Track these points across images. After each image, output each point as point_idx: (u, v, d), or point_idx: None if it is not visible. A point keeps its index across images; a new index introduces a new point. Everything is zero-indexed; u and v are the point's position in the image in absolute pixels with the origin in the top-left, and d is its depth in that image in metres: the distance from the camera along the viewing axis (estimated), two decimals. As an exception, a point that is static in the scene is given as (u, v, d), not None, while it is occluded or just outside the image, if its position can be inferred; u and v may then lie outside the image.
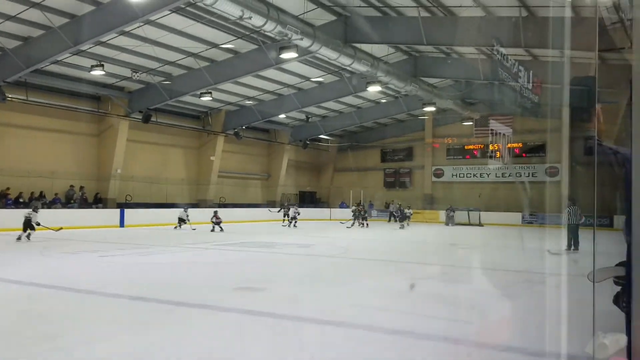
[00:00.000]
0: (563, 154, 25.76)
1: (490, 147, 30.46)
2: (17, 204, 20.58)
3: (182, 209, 21.74)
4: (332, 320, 5.56)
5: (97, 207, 23.65)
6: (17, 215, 15.55)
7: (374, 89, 23.69)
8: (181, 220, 21.32)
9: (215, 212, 20.90)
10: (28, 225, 14.65)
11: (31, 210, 15.35)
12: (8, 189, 21.08)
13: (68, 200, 22.93)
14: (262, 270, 9.88)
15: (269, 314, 5.83)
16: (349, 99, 28.58)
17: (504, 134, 28.02)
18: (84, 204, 23.35)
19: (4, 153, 21.20)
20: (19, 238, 14.44)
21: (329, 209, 35.96)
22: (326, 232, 21.65)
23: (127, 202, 25.21)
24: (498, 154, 30.63)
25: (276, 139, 34.43)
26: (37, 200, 20.75)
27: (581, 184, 21.15)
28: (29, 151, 22.06)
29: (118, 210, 23.49)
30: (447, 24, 17.56)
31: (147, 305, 6.30)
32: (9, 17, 16.05)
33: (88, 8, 15.84)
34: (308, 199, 38.03)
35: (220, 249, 13.63)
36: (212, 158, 29.78)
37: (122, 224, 22.79)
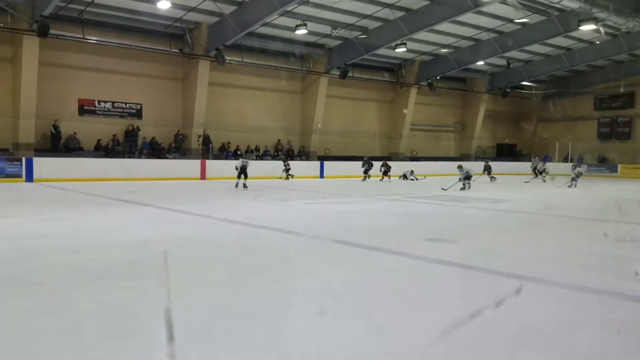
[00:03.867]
0: None
1: None
2: (235, 155, 23.52)
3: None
4: (528, 275, 5.37)
5: (301, 159, 25.79)
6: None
7: (587, 28, 20.98)
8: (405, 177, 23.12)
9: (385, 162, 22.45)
10: (243, 172, 16.31)
11: (245, 159, 17.17)
12: (228, 142, 24.15)
13: (276, 153, 25.44)
14: (454, 223, 9.84)
15: (461, 265, 5.86)
16: (558, 40, 25.76)
17: None
18: (290, 156, 25.69)
19: (225, 111, 24.23)
20: (236, 185, 16.50)
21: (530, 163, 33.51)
22: (526, 187, 20.38)
23: (326, 154, 26.95)
24: None
25: (472, 88, 32.94)
26: (251, 153, 23.42)
27: None
28: (244, 109, 24.85)
29: (318, 162, 25.29)
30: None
31: (345, 247, 6.83)
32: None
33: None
34: (507, 152, 35.91)
35: (412, 201, 13.86)
36: (404, 111, 29.86)
37: (321, 175, 24.50)
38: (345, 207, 12.19)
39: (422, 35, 23.64)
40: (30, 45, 18.50)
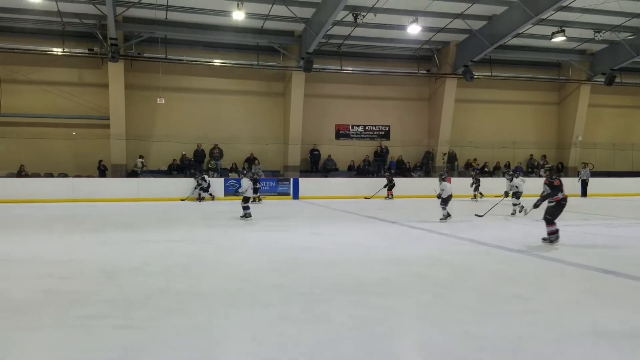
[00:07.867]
0: None
1: None
2: (482, 172, 22.68)
3: None
4: None
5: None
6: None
7: None
8: None
9: None
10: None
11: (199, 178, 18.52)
12: (474, 159, 23.50)
13: (530, 170, 23.77)
14: None
15: None
16: None
17: None
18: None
19: (471, 127, 23.71)
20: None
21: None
22: None
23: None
24: None
25: None
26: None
27: None
28: (492, 124, 23.95)
29: (575, 179, 22.72)
30: None
31: (617, 279, 5.88)
32: (473, 1, 17.72)
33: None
34: None
35: None
36: (694, 116, 24.80)
37: (583, 194, 21.92)
38: (615, 230, 10.58)
39: None
40: (298, 80, 21.12)
